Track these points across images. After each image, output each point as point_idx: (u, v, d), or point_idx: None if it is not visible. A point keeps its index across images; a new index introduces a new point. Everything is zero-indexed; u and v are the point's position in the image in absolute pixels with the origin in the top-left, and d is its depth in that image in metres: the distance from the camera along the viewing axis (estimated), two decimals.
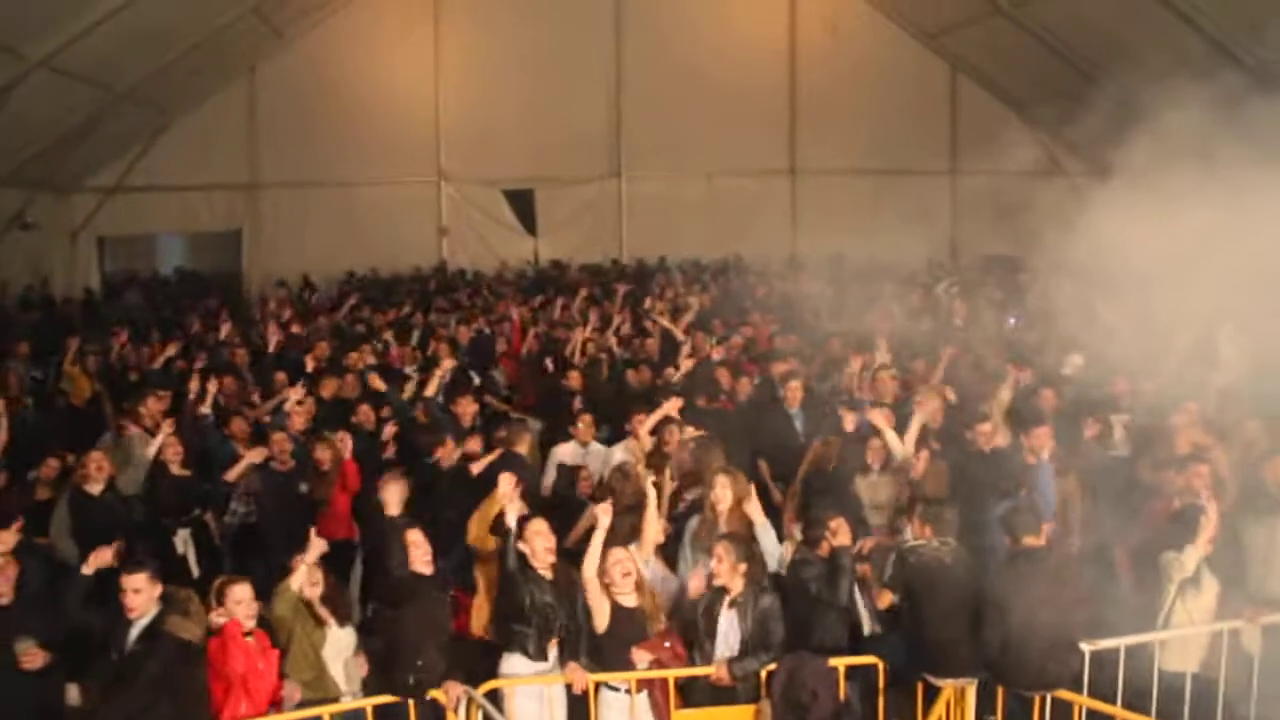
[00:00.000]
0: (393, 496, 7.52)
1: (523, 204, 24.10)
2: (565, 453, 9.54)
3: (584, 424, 9.60)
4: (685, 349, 12.19)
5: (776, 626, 6.43)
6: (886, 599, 6.83)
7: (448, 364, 11.36)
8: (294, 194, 23.24)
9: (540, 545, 6.55)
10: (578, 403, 10.17)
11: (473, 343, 13.70)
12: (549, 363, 12.51)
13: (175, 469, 9.03)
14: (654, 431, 8.90)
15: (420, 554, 6.45)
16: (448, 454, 8.89)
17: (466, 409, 10.19)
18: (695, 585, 6.73)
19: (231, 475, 8.91)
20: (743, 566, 6.42)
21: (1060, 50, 20.67)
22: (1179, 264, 11.38)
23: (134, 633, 6.05)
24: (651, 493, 7.06)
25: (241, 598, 6.26)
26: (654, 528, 7.01)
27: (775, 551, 7.17)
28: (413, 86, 23.34)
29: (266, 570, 7.85)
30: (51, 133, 18.72)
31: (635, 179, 24.23)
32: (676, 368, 11.45)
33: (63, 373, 13.14)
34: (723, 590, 6.48)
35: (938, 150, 24.52)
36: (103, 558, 6.52)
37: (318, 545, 6.51)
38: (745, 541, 6.64)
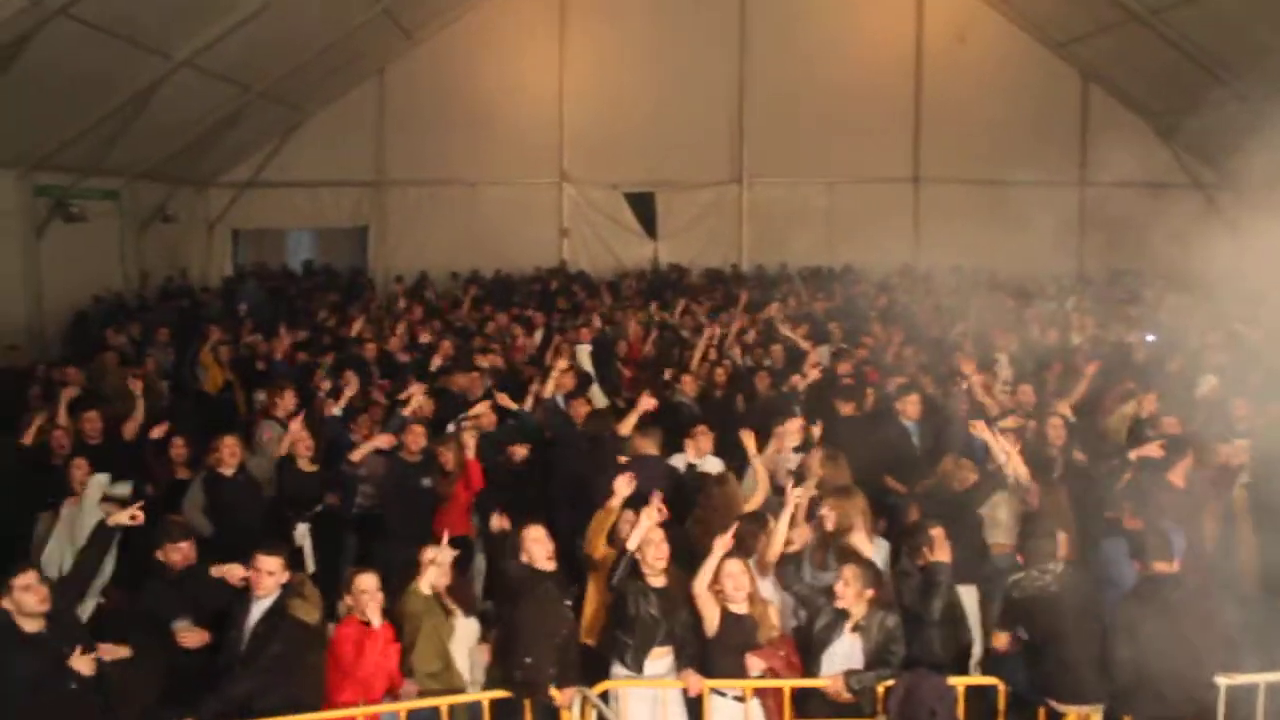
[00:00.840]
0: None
1: (643, 207, 24.25)
2: (677, 463, 9.42)
3: (701, 435, 9.32)
4: (811, 359, 12.04)
5: (898, 647, 6.35)
6: (1001, 640, 6.67)
7: (562, 364, 11.40)
8: (419, 192, 23.76)
9: (652, 554, 6.55)
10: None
11: (594, 345, 13.75)
12: (667, 370, 12.47)
13: (304, 464, 9.25)
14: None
15: (541, 550, 6.49)
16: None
17: (581, 410, 10.16)
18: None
19: (356, 455, 9.04)
20: (869, 593, 6.33)
21: (1197, 57, 20.04)
22: None
23: (256, 613, 6.21)
24: (787, 510, 6.97)
25: (367, 587, 6.35)
26: (778, 545, 6.92)
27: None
28: (537, 88, 23.65)
29: (386, 559, 8.03)
30: (193, 130, 19.49)
31: (756, 184, 24.17)
32: (804, 376, 11.32)
33: (197, 360, 13.66)
34: (844, 613, 6.41)
35: (1066, 161, 23.92)
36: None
37: (449, 550, 6.61)
38: (872, 566, 6.51)
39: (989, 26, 23.90)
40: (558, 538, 6.81)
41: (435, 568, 6.54)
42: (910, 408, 10.00)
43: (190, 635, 6.27)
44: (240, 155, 22.96)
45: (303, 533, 9.12)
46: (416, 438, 9.18)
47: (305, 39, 19.08)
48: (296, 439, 9.17)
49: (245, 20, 16.32)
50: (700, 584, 6.35)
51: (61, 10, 12.84)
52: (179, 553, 6.64)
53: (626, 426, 9.07)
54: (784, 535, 6.90)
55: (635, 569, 6.53)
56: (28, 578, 5.64)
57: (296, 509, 9.07)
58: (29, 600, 5.61)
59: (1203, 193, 23.34)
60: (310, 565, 8.80)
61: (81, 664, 5.68)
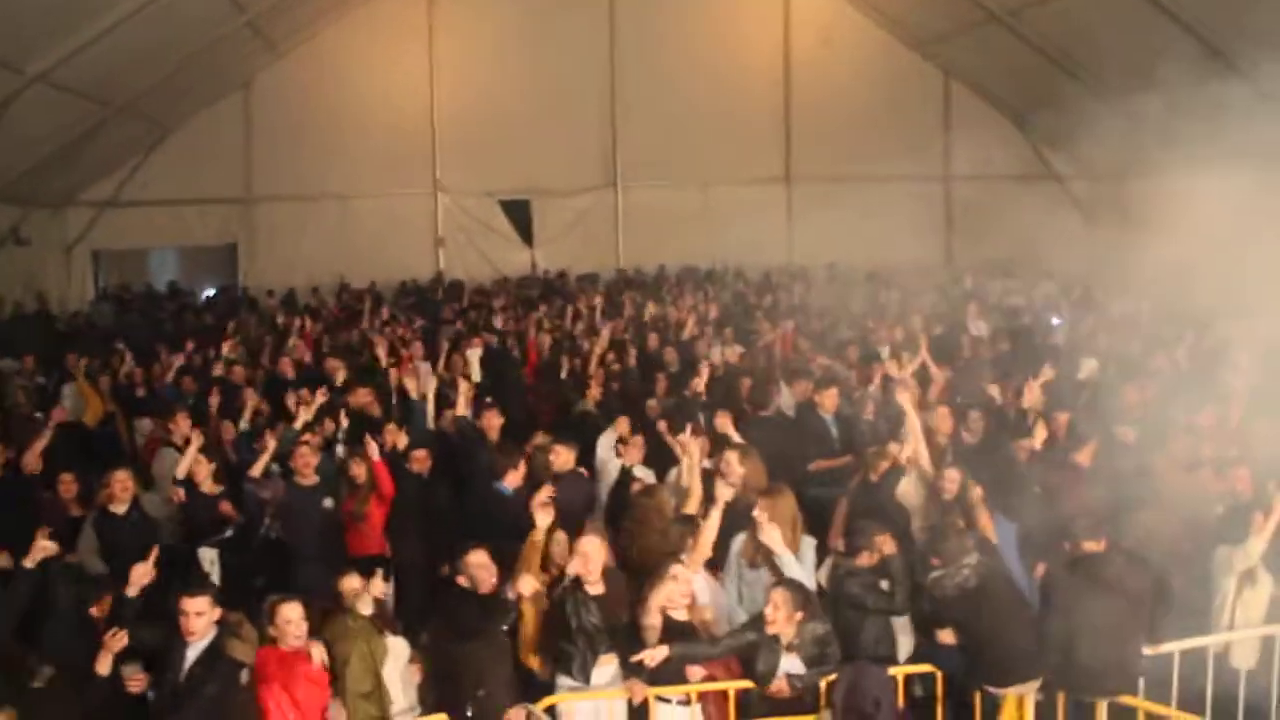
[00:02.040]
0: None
1: (519, 214, 24.04)
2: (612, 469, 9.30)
3: (634, 445, 9.24)
4: (713, 358, 12.11)
5: (832, 649, 6.44)
6: (947, 636, 6.80)
7: (465, 386, 11.15)
8: (289, 207, 23.12)
9: (589, 565, 6.50)
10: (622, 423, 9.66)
11: (487, 355, 13.58)
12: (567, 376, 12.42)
13: (206, 487, 8.94)
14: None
15: (486, 575, 6.36)
16: (517, 478, 8.53)
17: (493, 423, 9.91)
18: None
19: (256, 470, 8.80)
20: (798, 615, 6.37)
21: (1054, 56, 20.84)
22: (1178, 266, 11.57)
23: (191, 654, 5.98)
24: (717, 508, 6.99)
25: (291, 617, 6.25)
26: (708, 542, 6.95)
27: (801, 572, 7.06)
28: (407, 99, 23.24)
29: (300, 584, 7.83)
30: (47, 147, 18.55)
31: (631, 188, 24.20)
32: (698, 375, 11.35)
33: (61, 390, 13.06)
34: (776, 638, 6.42)
35: (931, 156, 24.54)
36: (142, 574, 6.39)
37: (380, 583, 6.45)
38: (801, 589, 6.54)
39: (853, 29, 24.39)
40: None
41: (369, 595, 6.39)
42: (829, 401, 10.14)
43: (137, 680, 6.01)
44: (100, 173, 21.91)
45: (210, 558, 8.84)
46: (306, 458, 8.94)
47: (166, 52, 18.33)
48: (196, 461, 8.87)
49: (103, 33, 15.63)
50: (653, 606, 6.32)
51: None
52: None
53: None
54: (713, 536, 6.94)
55: (576, 581, 6.47)
56: None
57: (202, 534, 8.78)
58: None
59: (1059, 183, 24.27)
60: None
61: None
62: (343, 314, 18.35)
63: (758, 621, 6.48)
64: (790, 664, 6.36)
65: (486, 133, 23.09)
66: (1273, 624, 6.89)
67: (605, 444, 9.42)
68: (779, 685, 6.30)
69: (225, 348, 13.94)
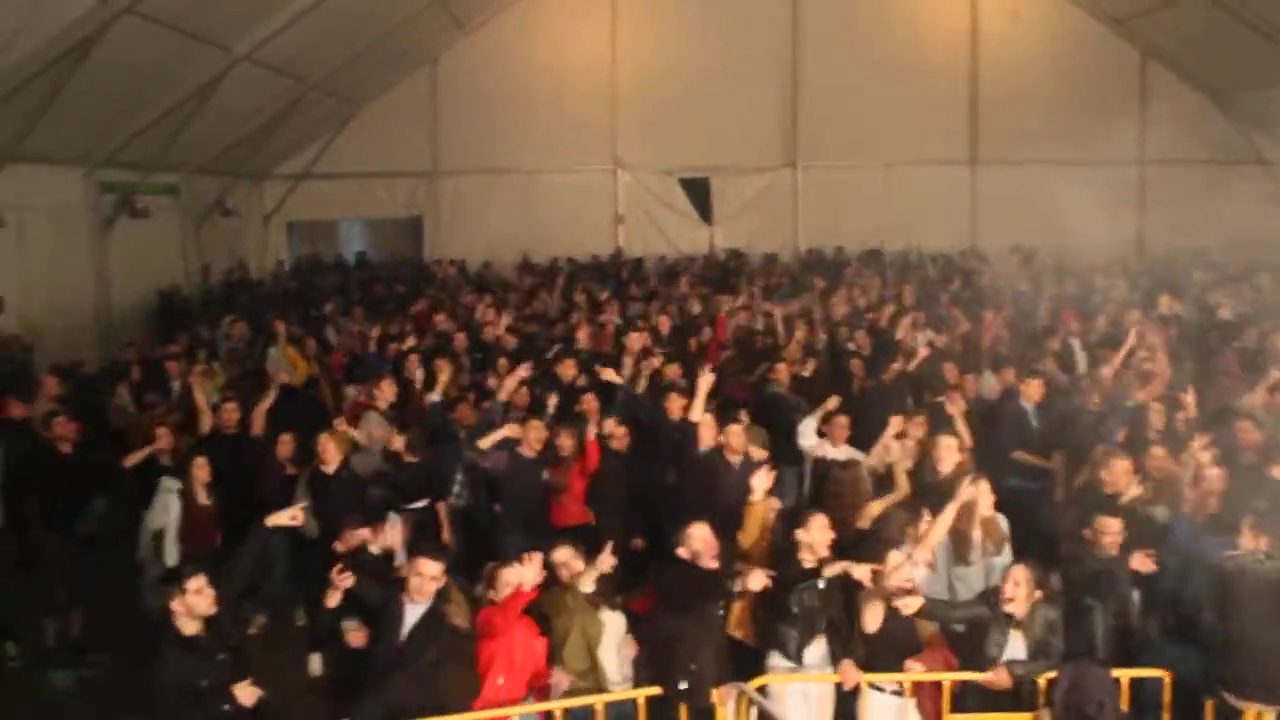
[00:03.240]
0: None
1: (699, 192, 24.06)
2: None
3: (839, 425, 9.11)
4: (916, 345, 11.83)
5: (1058, 639, 6.23)
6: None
7: (654, 361, 11.16)
8: (473, 181, 23.65)
9: (821, 543, 6.43)
10: (832, 401, 9.48)
11: (673, 332, 13.60)
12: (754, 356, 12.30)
13: (407, 456, 9.17)
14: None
15: (708, 549, 6.35)
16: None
17: (675, 405, 9.71)
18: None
19: (485, 443, 8.93)
20: (1038, 593, 6.21)
21: (1263, 31, 19.65)
22: None
23: (411, 616, 6.11)
24: (954, 505, 6.81)
25: (512, 581, 6.32)
26: (937, 537, 6.79)
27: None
28: (589, 75, 23.45)
29: (500, 553, 7.96)
30: (250, 123, 19.47)
31: (811, 168, 23.88)
32: (894, 361, 11.13)
33: (266, 353, 13.62)
34: (1009, 616, 6.26)
35: (1125, 139, 23.51)
36: (359, 537, 6.53)
37: (609, 558, 6.48)
38: (1038, 569, 6.36)
39: (1044, 4, 23.51)
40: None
41: (591, 571, 6.41)
42: (1034, 390, 9.80)
43: (357, 634, 6.20)
44: (295, 147, 22.90)
45: (394, 523, 9.07)
46: (538, 432, 9.05)
47: (359, 30, 18.99)
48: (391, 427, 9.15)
49: (303, 13, 16.26)
50: (879, 580, 6.22)
51: (128, 8, 12.79)
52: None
53: (697, 410, 8.82)
54: (945, 529, 6.79)
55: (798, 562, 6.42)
56: (200, 581, 5.57)
57: (406, 501, 9.01)
58: (200, 603, 5.56)
59: (1265, 168, 22.97)
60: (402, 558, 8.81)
61: (244, 694, 5.64)
62: (532, 288, 18.58)
63: (989, 596, 6.34)
64: (1016, 646, 6.19)
65: (667, 109, 23.15)
66: None
67: (808, 428, 9.29)
68: (1000, 674, 6.11)
69: (440, 320, 14.35)
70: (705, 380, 8.88)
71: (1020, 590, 6.18)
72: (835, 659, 6.41)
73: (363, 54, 19.96)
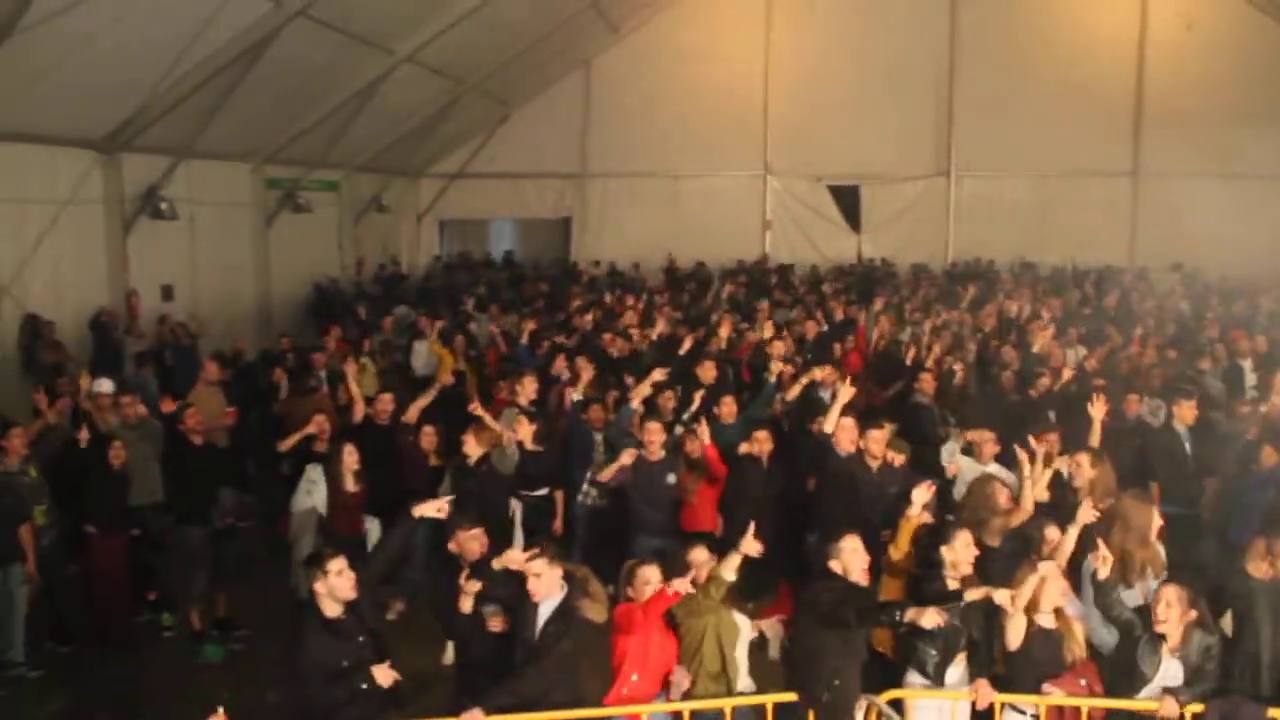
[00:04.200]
0: None
1: (848, 200, 23.86)
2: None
3: (986, 442, 8.78)
4: (1060, 362, 11.49)
5: (1213, 666, 5.94)
6: None
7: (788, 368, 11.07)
8: (621, 184, 23.95)
9: (965, 561, 6.28)
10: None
11: (817, 339, 13.47)
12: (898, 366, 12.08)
13: (530, 445, 9.29)
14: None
15: (859, 563, 6.25)
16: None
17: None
18: None
19: (604, 476, 9.02)
20: (1192, 614, 5.94)
21: None
22: None
23: (545, 609, 6.17)
24: (1077, 526, 6.59)
25: (650, 578, 6.33)
26: (1063, 555, 6.56)
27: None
28: (740, 81, 23.46)
29: (629, 551, 7.99)
30: (408, 123, 20.07)
31: (964, 178, 23.49)
32: (1053, 377, 10.82)
33: (413, 347, 13.96)
34: (1162, 637, 6.02)
35: None
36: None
37: (754, 544, 6.42)
38: (1192, 588, 6.08)
39: (1222, 9, 22.48)
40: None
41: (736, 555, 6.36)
42: (1187, 413, 9.39)
43: (497, 620, 6.29)
44: (450, 148, 23.54)
45: (514, 508, 9.19)
46: (654, 435, 9.06)
47: (517, 33, 19.42)
48: (520, 420, 9.28)
49: (463, 16, 16.68)
50: (1018, 603, 6.02)
51: (301, 11, 13.30)
52: (477, 541, 6.64)
53: (831, 421, 8.70)
54: (1068, 552, 6.55)
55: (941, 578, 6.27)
56: (340, 563, 5.72)
57: (527, 488, 9.14)
58: (343, 585, 5.70)
59: None
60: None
61: (382, 675, 5.76)
62: (675, 290, 18.65)
63: (1143, 614, 6.10)
64: (1172, 669, 5.93)
65: (818, 116, 22.98)
66: None
67: (951, 448, 9.10)
68: (1168, 704, 5.82)
69: (588, 319, 14.52)
70: (845, 392, 8.79)
71: (1173, 611, 5.91)
72: (974, 679, 6.22)
73: (519, 56, 20.40)
